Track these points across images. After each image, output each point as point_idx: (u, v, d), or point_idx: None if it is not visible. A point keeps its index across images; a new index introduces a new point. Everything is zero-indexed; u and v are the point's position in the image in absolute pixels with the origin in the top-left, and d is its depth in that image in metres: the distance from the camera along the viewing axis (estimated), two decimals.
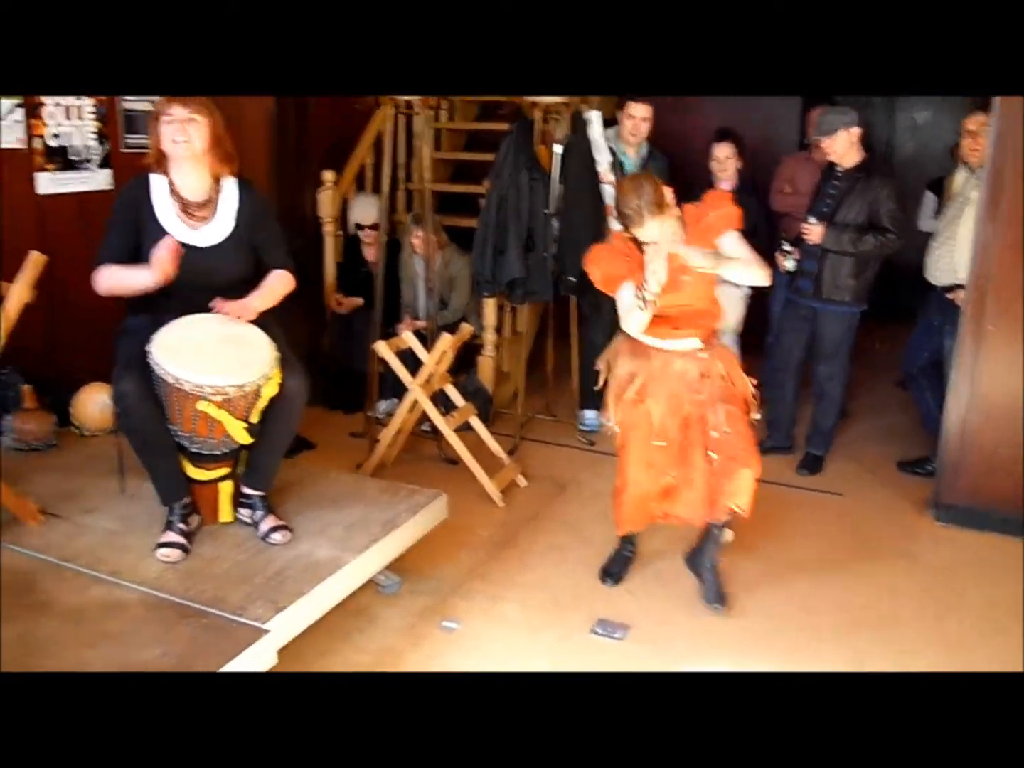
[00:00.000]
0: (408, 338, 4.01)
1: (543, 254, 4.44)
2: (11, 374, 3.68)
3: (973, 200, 3.85)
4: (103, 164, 4.37)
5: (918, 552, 3.66)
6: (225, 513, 2.92)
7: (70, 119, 4.19)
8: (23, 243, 3.62)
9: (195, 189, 2.83)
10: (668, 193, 2.88)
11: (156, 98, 3.00)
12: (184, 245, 2.75)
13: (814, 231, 4.03)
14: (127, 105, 4.46)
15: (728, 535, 3.23)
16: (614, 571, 3.35)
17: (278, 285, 2.92)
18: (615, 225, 4.46)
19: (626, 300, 2.96)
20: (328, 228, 5.21)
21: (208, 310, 2.73)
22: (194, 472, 2.83)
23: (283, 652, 2.43)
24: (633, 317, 2.93)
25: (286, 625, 2.46)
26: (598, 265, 3.05)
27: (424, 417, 4.15)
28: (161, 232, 2.75)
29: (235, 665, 2.23)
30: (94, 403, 3.69)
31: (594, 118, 4.47)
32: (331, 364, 5.00)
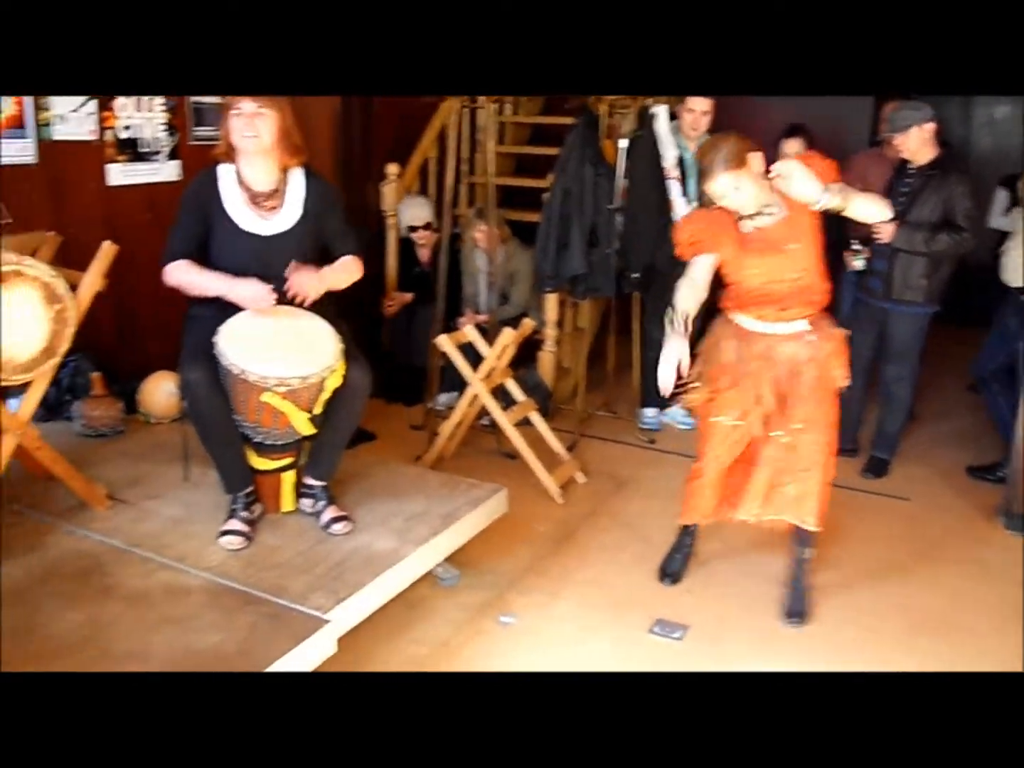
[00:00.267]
0: (469, 332, 4.01)
1: (606, 250, 4.40)
2: (81, 361, 3.75)
3: None
4: (171, 156, 4.44)
5: (985, 559, 3.56)
6: (287, 503, 2.95)
7: (141, 111, 4.26)
8: (93, 233, 3.70)
9: (263, 180, 2.85)
10: (755, 157, 2.75)
11: None
12: (250, 234, 2.78)
13: (885, 230, 3.94)
14: (196, 98, 4.52)
15: (810, 552, 3.13)
16: (672, 570, 3.31)
17: (349, 268, 2.94)
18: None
19: (691, 272, 2.89)
20: (391, 221, 5.22)
21: (279, 301, 2.75)
22: (258, 462, 2.86)
23: (341, 641, 2.45)
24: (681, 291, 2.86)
25: (346, 615, 2.48)
26: (691, 224, 2.94)
27: (484, 411, 4.14)
28: (230, 223, 2.79)
29: (296, 654, 2.25)
30: (161, 391, 3.74)
31: (661, 113, 4.42)
32: (392, 357, 5.02)
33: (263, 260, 2.76)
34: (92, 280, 2.82)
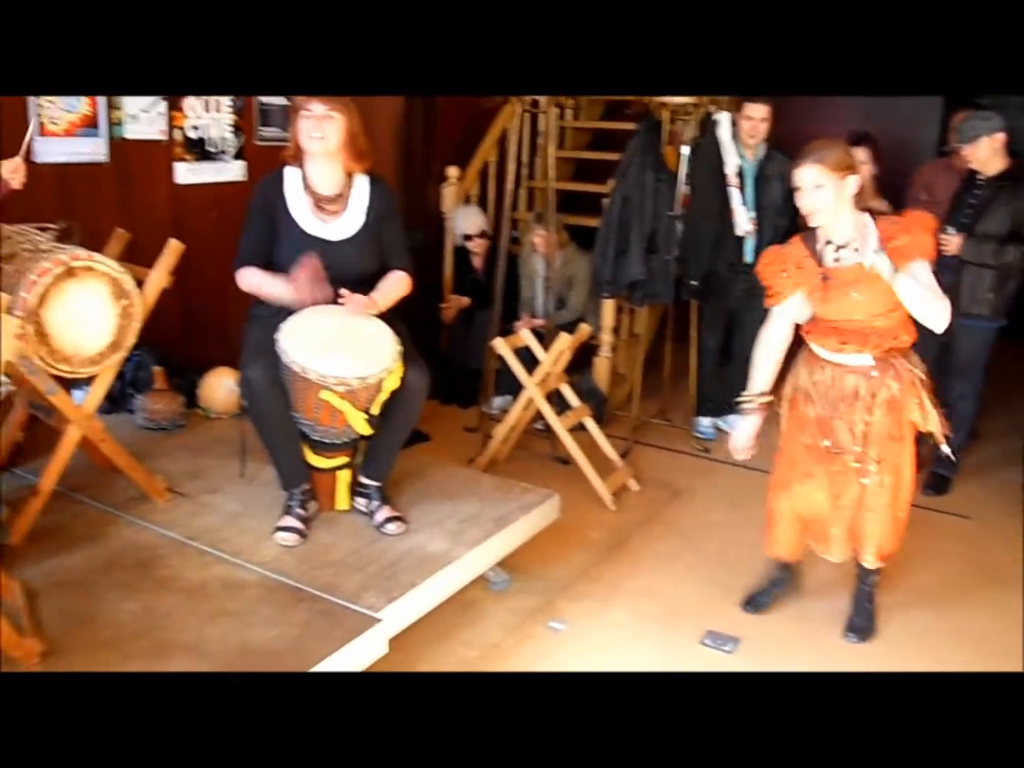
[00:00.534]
0: (526, 336, 4.01)
1: (666, 256, 4.37)
2: (145, 355, 3.81)
3: None
4: (237, 156, 4.51)
5: None
6: (342, 501, 2.97)
7: (209, 112, 4.34)
8: (160, 230, 3.77)
9: (328, 184, 2.89)
10: (853, 177, 2.67)
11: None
12: (315, 238, 2.81)
13: (952, 242, 3.86)
14: (263, 99, 4.58)
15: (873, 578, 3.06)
16: (758, 600, 3.18)
17: (396, 287, 2.96)
18: (741, 228, 4.40)
19: (770, 328, 2.90)
20: (450, 224, 5.25)
21: (336, 301, 2.78)
22: (314, 459, 2.89)
23: (392, 641, 2.46)
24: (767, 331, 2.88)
25: (398, 615, 2.49)
26: (770, 267, 2.87)
27: (538, 415, 4.14)
28: (295, 227, 2.83)
29: (347, 652, 2.27)
30: (221, 387, 3.80)
31: (723, 120, 4.38)
32: (448, 359, 5.04)
33: (327, 264, 2.78)
34: (158, 277, 2.87)
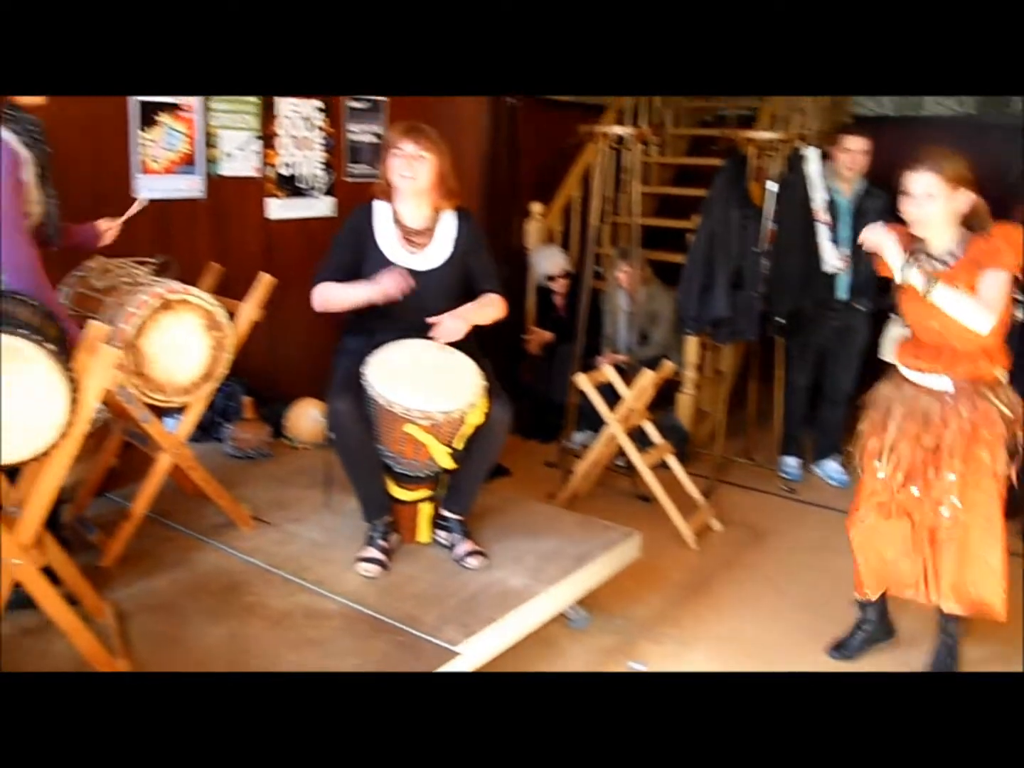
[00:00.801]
0: (608, 372, 3.99)
1: (751, 293, 4.32)
2: (234, 385, 3.90)
3: None
4: (327, 192, 4.61)
5: None
6: (423, 534, 2.98)
7: (300, 150, 4.45)
8: (252, 264, 3.87)
9: (416, 218, 2.94)
10: (967, 194, 2.60)
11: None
12: (403, 270, 2.85)
13: None
14: (352, 137, 4.69)
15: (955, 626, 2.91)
16: (847, 644, 3.07)
17: (488, 306, 2.99)
18: (829, 266, 4.33)
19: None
20: (533, 260, 5.28)
21: (420, 331, 2.81)
22: (397, 492, 2.91)
23: None
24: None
25: (476, 650, 2.48)
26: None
27: (619, 451, 4.11)
28: (381, 257, 2.88)
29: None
30: (306, 417, 3.87)
31: (812, 155, 4.33)
32: (530, 393, 5.05)
33: (413, 296, 2.83)
34: (250, 310, 2.94)
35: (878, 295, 4.11)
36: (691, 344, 4.80)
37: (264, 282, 2.98)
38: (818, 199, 4.34)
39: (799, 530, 4.07)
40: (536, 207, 5.28)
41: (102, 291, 2.80)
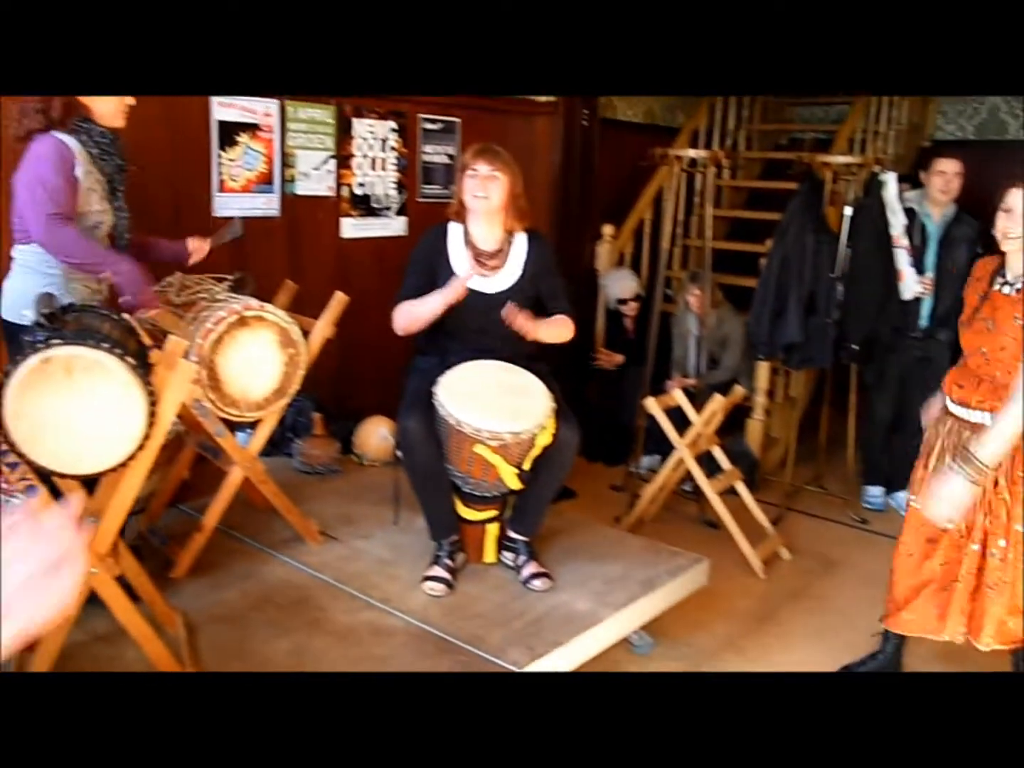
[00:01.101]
0: (678, 396, 3.95)
1: (825, 319, 4.25)
2: (304, 402, 3.95)
3: None
4: (400, 212, 4.67)
5: None
6: (490, 554, 2.98)
7: (375, 170, 4.51)
8: (325, 282, 3.93)
9: (488, 240, 2.95)
10: None
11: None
12: (472, 291, 2.87)
13: None
14: (426, 157, 4.74)
15: None
16: (854, 670, 3.04)
17: (560, 326, 2.99)
18: (909, 292, 4.23)
19: None
20: (604, 281, 5.27)
21: (491, 352, 2.82)
22: (464, 511, 2.91)
23: None
24: None
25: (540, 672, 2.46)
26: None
27: (687, 476, 4.06)
28: (454, 277, 2.89)
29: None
30: (375, 434, 3.90)
31: (890, 179, 4.26)
32: (596, 415, 5.02)
33: (484, 316, 2.84)
34: (323, 328, 2.98)
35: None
36: (762, 369, 4.74)
37: (338, 300, 3.01)
38: (897, 224, 4.26)
39: (871, 562, 3.96)
40: (607, 229, 5.28)
41: (180, 306, 2.87)
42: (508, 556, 2.97)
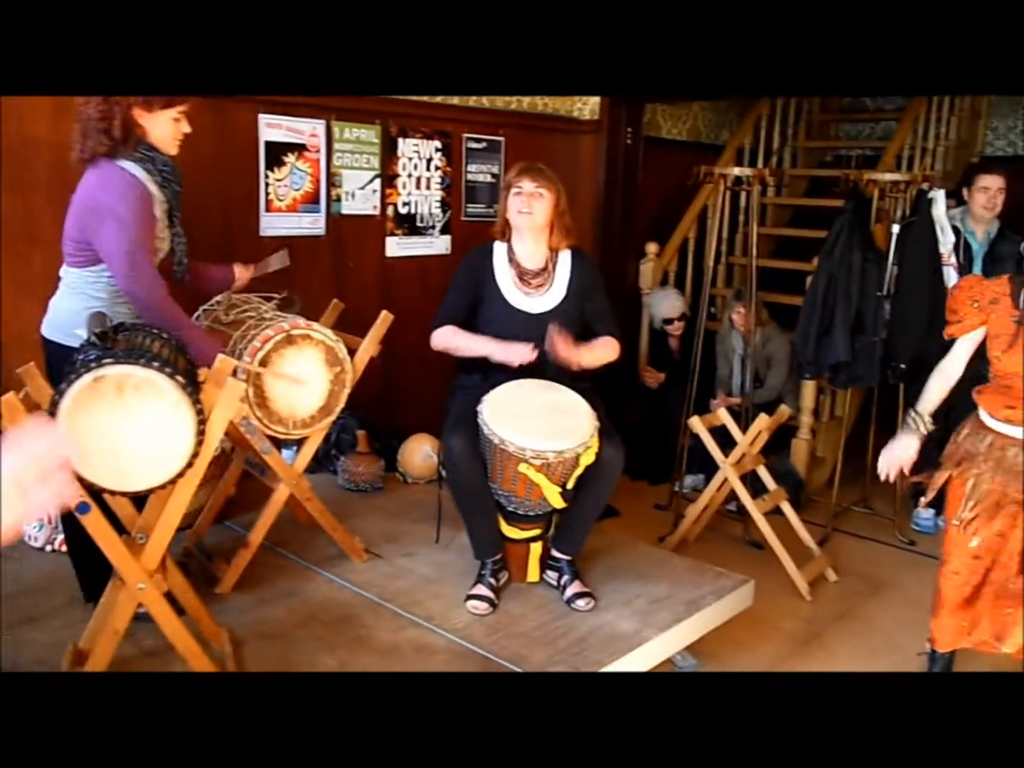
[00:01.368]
0: (723, 415, 3.92)
1: (872, 338, 4.20)
2: (349, 419, 3.98)
3: None
4: (444, 230, 4.69)
5: None
6: (533, 573, 2.97)
7: (419, 189, 4.54)
8: (369, 300, 3.96)
9: (533, 258, 2.97)
10: None
11: None
12: (518, 310, 2.88)
13: None
14: (470, 176, 4.77)
15: None
16: None
17: (605, 349, 2.98)
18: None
19: (948, 357, 2.74)
20: (647, 299, 5.26)
21: (535, 371, 2.82)
22: (508, 530, 2.91)
23: None
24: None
25: None
26: (962, 292, 2.73)
27: (731, 496, 4.03)
28: (499, 297, 2.91)
29: None
30: (419, 452, 3.91)
31: (938, 197, 4.20)
32: (639, 434, 5.00)
33: (528, 335, 2.85)
34: (368, 346, 3.00)
35: None
36: (808, 388, 4.69)
37: (383, 319, 3.03)
38: (946, 242, 4.20)
39: (918, 584, 3.89)
40: (651, 247, 5.27)
41: (229, 325, 2.90)
42: (551, 575, 2.96)
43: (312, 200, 4.11)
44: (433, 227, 4.64)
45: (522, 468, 2.65)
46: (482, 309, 2.94)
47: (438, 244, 4.68)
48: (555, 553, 2.95)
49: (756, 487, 3.98)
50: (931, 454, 2.89)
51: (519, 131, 4.91)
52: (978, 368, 2.79)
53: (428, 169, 4.57)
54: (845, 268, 4.22)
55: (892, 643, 3.41)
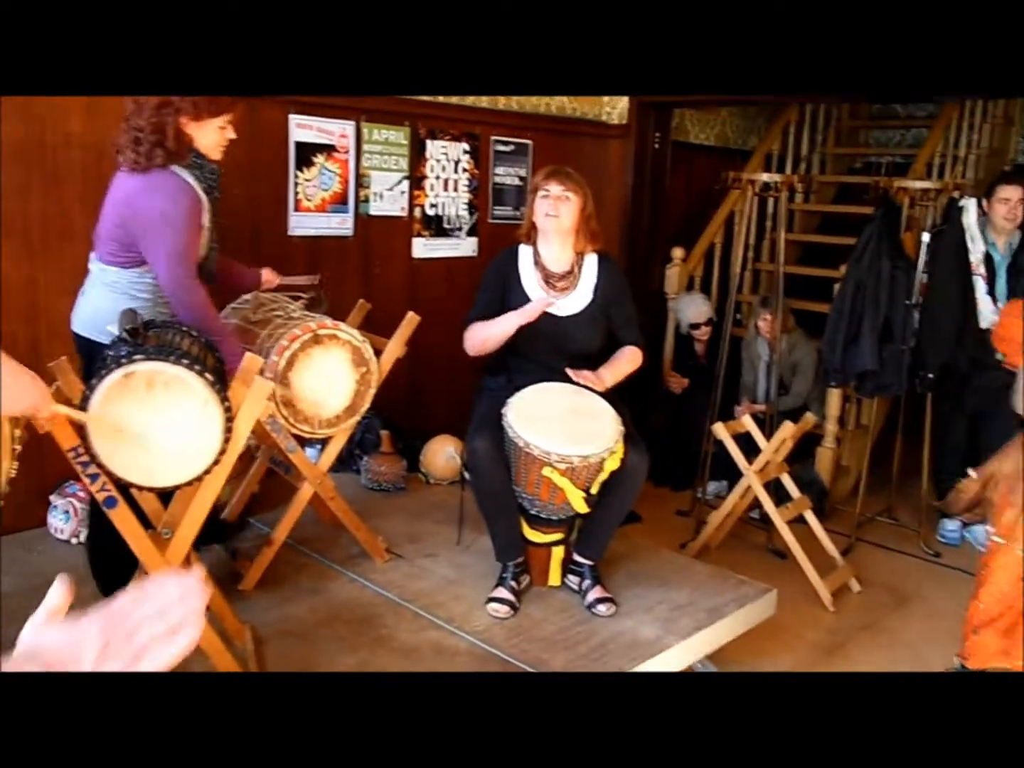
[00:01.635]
0: (747, 422, 3.90)
1: (900, 347, 4.17)
2: (373, 419, 3.99)
3: None
4: (470, 232, 4.70)
5: None
6: (554, 577, 2.97)
7: (447, 191, 4.56)
8: (395, 301, 3.97)
9: (559, 261, 2.97)
10: None
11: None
12: (544, 314, 2.88)
13: None
14: (497, 179, 4.78)
15: None
16: None
17: (628, 362, 2.98)
18: (985, 320, 4.14)
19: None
20: (673, 304, 5.24)
21: (561, 375, 2.82)
22: (530, 534, 2.91)
23: None
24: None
25: None
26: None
27: (754, 504, 4.01)
28: (524, 299, 2.91)
29: None
30: (442, 453, 3.91)
31: (970, 206, 4.18)
32: (662, 439, 4.98)
33: (554, 339, 2.85)
34: (395, 347, 3.01)
35: None
36: (833, 396, 4.66)
37: (410, 320, 3.04)
38: (976, 251, 4.17)
39: (944, 596, 3.86)
40: (677, 252, 5.25)
41: (256, 324, 2.92)
42: (573, 580, 2.95)
43: (340, 201, 4.13)
44: (460, 229, 4.65)
45: (546, 472, 2.65)
46: (507, 311, 2.94)
47: (465, 246, 4.68)
48: (577, 557, 2.94)
49: (780, 495, 3.95)
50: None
51: (547, 134, 4.91)
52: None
53: (456, 171, 4.58)
54: (874, 276, 4.19)
55: (917, 656, 3.38)
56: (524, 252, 3.01)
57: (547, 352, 2.87)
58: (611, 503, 2.82)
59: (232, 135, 2.61)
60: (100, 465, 2.07)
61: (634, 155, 5.18)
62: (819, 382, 4.70)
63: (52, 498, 3.29)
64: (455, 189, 4.60)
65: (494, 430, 2.74)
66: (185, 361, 2.07)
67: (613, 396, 2.88)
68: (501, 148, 4.77)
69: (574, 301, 2.96)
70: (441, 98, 4.36)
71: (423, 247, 4.50)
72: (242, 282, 3.03)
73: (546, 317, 2.89)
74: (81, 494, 3.22)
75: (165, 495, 2.35)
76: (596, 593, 2.86)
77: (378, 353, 2.95)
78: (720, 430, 3.85)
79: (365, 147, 4.17)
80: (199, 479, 2.17)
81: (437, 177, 4.50)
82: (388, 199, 4.31)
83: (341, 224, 4.15)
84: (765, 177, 4.33)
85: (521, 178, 4.87)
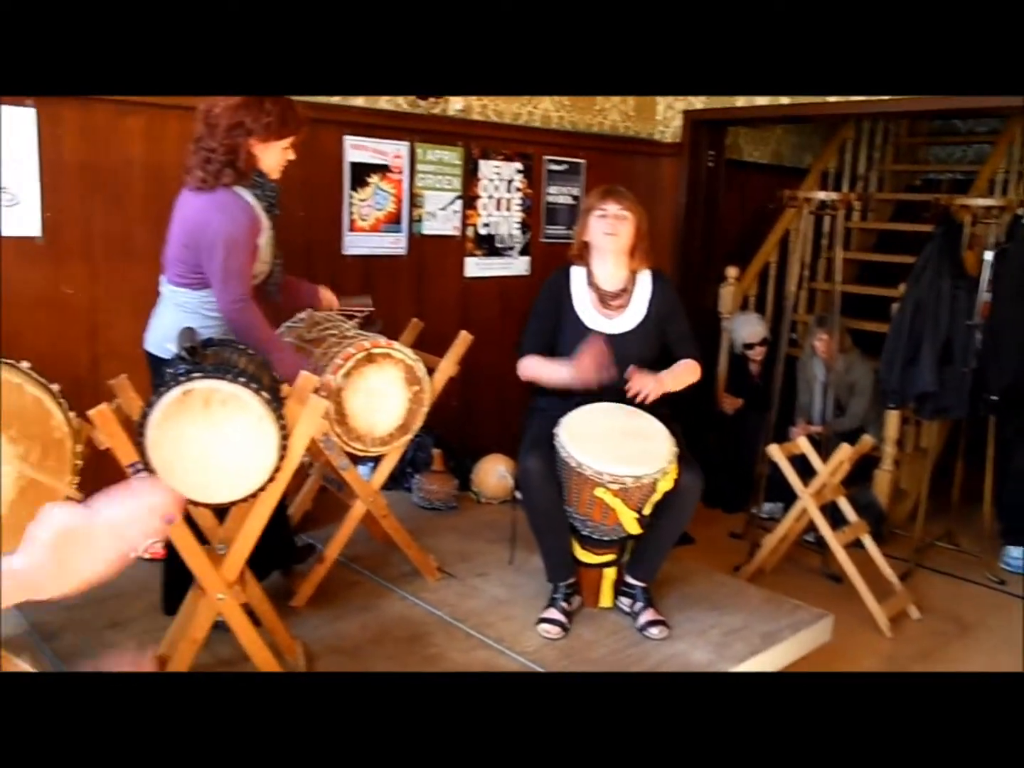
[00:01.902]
0: (803, 444, 3.84)
1: (962, 368, 4.07)
2: (425, 437, 4.00)
3: None
4: (523, 252, 4.71)
5: None
6: (606, 599, 2.94)
7: (500, 210, 4.57)
8: (448, 320, 3.99)
9: (613, 279, 2.96)
10: None
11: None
12: (598, 332, 2.87)
13: None
14: (550, 198, 4.78)
15: None
16: None
17: (687, 372, 2.96)
18: None
19: None
20: (727, 324, 5.19)
21: (614, 394, 2.80)
22: (582, 554, 2.89)
23: None
24: None
25: None
26: None
27: (809, 527, 3.94)
28: (578, 321, 2.91)
29: None
30: (493, 472, 3.91)
31: None
32: (715, 460, 4.93)
33: (607, 357, 2.83)
34: (447, 366, 3.02)
35: None
36: (892, 418, 4.56)
37: (463, 339, 3.05)
38: None
39: (1009, 626, 3.75)
40: (731, 271, 5.21)
41: (311, 342, 2.95)
42: (625, 601, 2.92)
43: (394, 220, 4.16)
44: (512, 248, 4.66)
45: (598, 492, 2.63)
46: (561, 332, 2.94)
47: (517, 265, 4.69)
48: (629, 579, 2.91)
49: (836, 518, 3.88)
50: None
51: (600, 153, 4.91)
52: None
53: (508, 191, 4.59)
54: (934, 295, 4.11)
55: None
56: (576, 273, 3.00)
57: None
58: (664, 524, 2.79)
59: (293, 156, 2.66)
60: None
61: (687, 173, 5.16)
62: (876, 403, 4.62)
63: None
64: (507, 208, 4.61)
65: (546, 449, 2.73)
66: (242, 379, 2.09)
67: (666, 416, 2.86)
68: (554, 167, 4.78)
69: (628, 318, 2.95)
70: (494, 118, 4.39)
71: (475, 266, 4.52)
72: (303, 300, 3.06)
73: (600, 336, 2.88)
74: None
75: (221, 511, 2.38)
76: (648, 615, 2.83)
77: (431, 372, 2.96)
78: (776, 452, 3.79)
79: (419, 167, 4.20)
80: (254, 495, 2.19)
81: (490, 196, 4.52)
82: (441, 218, 4.34)
83: (395, 243, 4.18)
84: (822, 195, 4.27)
85: (574, 197, 4.87)
